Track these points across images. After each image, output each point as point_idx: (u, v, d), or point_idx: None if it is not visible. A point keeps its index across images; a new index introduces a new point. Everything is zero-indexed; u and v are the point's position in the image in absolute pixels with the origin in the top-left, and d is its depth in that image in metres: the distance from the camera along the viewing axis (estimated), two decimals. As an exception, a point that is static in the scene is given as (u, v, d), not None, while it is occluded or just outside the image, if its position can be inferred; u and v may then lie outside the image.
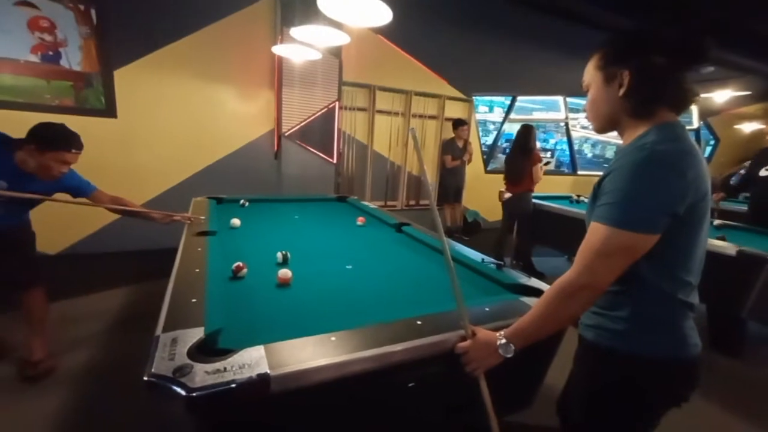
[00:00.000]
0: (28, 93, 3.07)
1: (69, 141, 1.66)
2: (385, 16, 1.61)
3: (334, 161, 4.14)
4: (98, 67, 3.26)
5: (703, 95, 6.29)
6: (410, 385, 0.94)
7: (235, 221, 2.03)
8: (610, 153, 8.26)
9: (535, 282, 1.37)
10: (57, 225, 3.33)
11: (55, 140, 1.63)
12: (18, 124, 2.98)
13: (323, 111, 3.97)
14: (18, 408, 1.67)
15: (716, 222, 3.24)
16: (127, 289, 2.89)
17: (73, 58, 3.18)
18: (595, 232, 0.79)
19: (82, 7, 3.13)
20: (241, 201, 2.65)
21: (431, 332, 0.95)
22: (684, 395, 0.87)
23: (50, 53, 3.10)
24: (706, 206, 0.80)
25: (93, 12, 3.16)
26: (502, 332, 0.90)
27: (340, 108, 4.12)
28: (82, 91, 3.25)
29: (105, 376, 1.91)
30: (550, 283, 0.87)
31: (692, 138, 0.82)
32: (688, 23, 4.51)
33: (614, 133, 0.93)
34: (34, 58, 3.06)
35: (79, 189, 1.89)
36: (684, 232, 0.78)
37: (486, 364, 0.91)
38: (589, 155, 11.68)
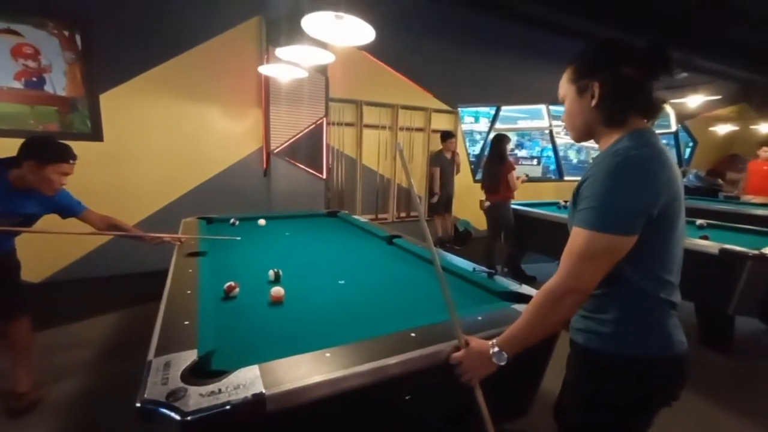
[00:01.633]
0: (12, 119, 3.05)
1: (66, 152, 1.69)
2: (368, 35, 1.65)
3: (324, 176, 4.16)
4: (83, 91, 3.25)
5: (676, 100, 6.54)
6: (407, 397, 0.94)
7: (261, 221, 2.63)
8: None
9: (526, 289, 1.39)
10: (41, 252, 3.25)
11: (54, 153, 1.66)
12: (1, 150, 2.93)
13: (311, 127, 4.01)
14: (3, 444, 1.62)
15: (699, 221, 3.33)
16: (116, 314, 2.83)
17: (58, 84, 3.17)
18: (577, 236, 0.82)
19: (66, 33, 3.14)
20: (231, 220, 2.64)
21: (425, 344, 0.96)
22: (674, 393, 0.89)
23: (34, 79, 3.09)
24: (679, 207, 0.84)
25: (78, 37, 3.17)
26: (494, 340, 0.91)
27: (328, 124, 4.17)
28: (67, 116, 3.23)
29: (95, 406, 1.86)
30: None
31: (663, 143, 0.86)
32: (660, 31, 4.71)
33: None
34: (17, 85, 3.04)
35: (70, 207, 1.88)
36: (659, 232, 0.82)
37: (480, 373, 0.92)
38: (575, 161, 11.92)
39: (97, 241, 3.38)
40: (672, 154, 0.86)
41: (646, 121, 0.89)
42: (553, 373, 1.19)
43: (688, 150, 8.40)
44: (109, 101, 3.35)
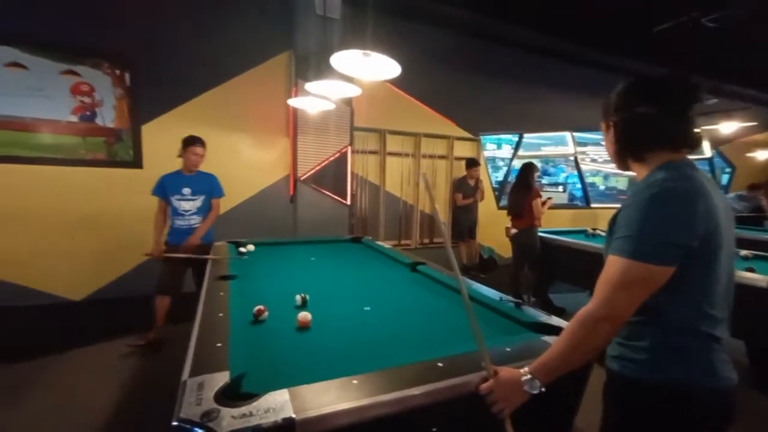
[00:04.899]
0: (67, 149, 3.32)
1: (195, 139, 2.81)
2: (394, 70, 1.73)
3: (348, 203, 4.24)
4: (128, 123, 3.53)
5: (708, 127, 6.36)
6: (434, 430, 0.92)
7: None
8: (622, 185, 8.23)
9: (555, 320, 1.35)
10: (83, 270, 3.44)
11: (188, 140, 2.80)
12: (56, 179, 3.18)
13: (336, 155, 4.14)
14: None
15: (743, 252, 3.13)
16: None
17: (108, 116, 3.46)
18: (612, 264, 0.81)
19: (118, 71, 3.45)
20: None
21: (453, 374, 0.94)
22: (718, 429, 0.83)
23: (88, 113, 3.39)
24: (720, 238, 0.81)
25: (127, 75, 3.49)
26: (526, 368, 0.89)
27: (353, 152, 4.30)
28: (113, 146, 3.50)
29: (131, 424, 1.89)
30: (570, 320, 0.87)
31: (703, 173, 0.85)
32: (684, 63, 4.67)
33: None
34: (73, 118, 3.34)
35: (217, 189, 2.95)
36: (699, 264, 0.79)
37: (512, 403, 0.88)
38: (602, 187, 11.60)
39: (133, 262, 3.53)
40: (715, 184, 0.85)
41: (679, 153, 0.88)
42: (590, 408, 1.13)
43: (725, 176, 8.04)
44: (150, 131, 3.60)
